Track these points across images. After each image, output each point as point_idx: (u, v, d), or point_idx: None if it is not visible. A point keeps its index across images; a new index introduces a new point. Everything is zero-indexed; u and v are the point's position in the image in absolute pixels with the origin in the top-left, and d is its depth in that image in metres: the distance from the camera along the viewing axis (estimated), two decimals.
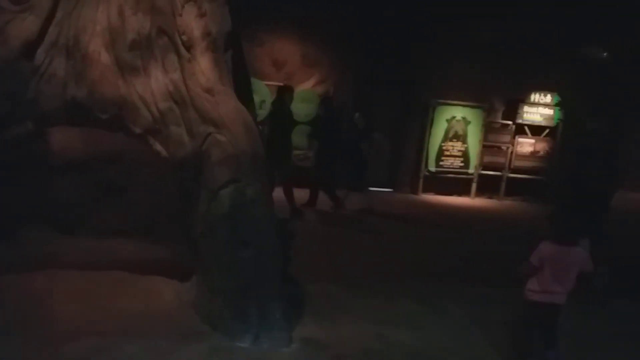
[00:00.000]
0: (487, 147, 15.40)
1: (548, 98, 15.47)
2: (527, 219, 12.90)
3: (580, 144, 13.76)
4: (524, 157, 15.66)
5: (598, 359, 5.96)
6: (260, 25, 12.69)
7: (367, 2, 13.05)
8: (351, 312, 6.30)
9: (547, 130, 15.74)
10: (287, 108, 10.74)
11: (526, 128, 15.62)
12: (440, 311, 6.64)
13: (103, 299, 5.59)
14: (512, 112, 15.48)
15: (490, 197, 15.58)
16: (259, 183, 5.21)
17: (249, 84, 7.13)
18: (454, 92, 14.67)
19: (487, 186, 15.56)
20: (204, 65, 5.32)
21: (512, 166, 15.59)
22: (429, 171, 15.00)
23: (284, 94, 10.74)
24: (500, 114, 15.69)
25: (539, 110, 15.54)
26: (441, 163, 15.08)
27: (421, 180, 15.01)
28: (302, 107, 13.07)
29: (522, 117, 15.44)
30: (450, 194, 15.25)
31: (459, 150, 15.17)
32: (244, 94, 6.01)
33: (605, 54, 15.35)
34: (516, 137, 15.55)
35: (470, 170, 15.34)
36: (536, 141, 15.72)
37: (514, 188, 15.61)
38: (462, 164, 15.24)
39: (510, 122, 15.51)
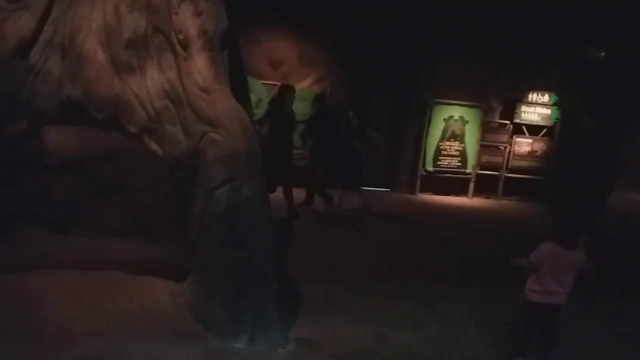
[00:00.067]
0: (485, 147, 15.42)
1: (546, 98, 15.50)
2: (525, 218, 12.93)
3: (576, 143, 13.83)
4: (521, 156, 15.69)
5: (597, 358, 5.95)
6: (257, 24, 12.67)
7: (365, 1, 13.02)
8: (348, 312, 6.28)
9: (544, 130, 15.76)
10: (288, 108, 10.62)
11: (524, 128, 15.64)
12: (439, 311, 6.63)
13: (98, 299, 5.55)
14: (510, 111, 15.51)
15: (487, 197, 15.59)
16: (255, 182, 5.18)
17: (245, 83, 7.13)
18: (451, 92, 14.68)
19: (484, 186, 15.57)
20: (200, 64, 5.28)
21: (509, 166, 15.62)
22: (426, 171, 15.01)
23: (284, 93, 10.63)
24: (497, 114, 15.72)
25: (537, 109, 15.58)
26: (439, 163, 15.08)
27: (419, 180, 15.01)
28: (299, 107, 13.00)
29: (519, 117, 15.48)
30: (448, 194, 15.26)
31: (457, 150, 15.18)
32: (241, 93, 5.97)
33: (602, 53, 15.34)
34: (514, 136, 15.58)
35: (468, 170, 15.34)
36: (534, 141, 15.76)
37: (512, 188, 15.62)
38: (459, 164, 15.25)
39: (507, 122, 15.54)
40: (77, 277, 5.82)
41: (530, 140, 15.73)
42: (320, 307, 6.27)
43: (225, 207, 5.06)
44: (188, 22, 5.34)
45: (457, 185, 15.38)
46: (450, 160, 15.18)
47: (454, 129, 15.06)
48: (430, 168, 15.01)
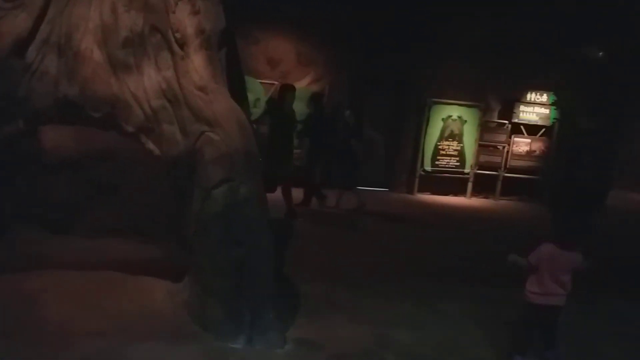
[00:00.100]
0: (483, 147, 15.41)
1: (544, 97, 15.49)
2: (524, 218, 12.92)
3: (574, 142, 13.85)
4: (520, 156, 15.68)
5: (596, 358, 5.94)
6: (255, 23, 12.66)
7: (363, 0, 13.00)
8: (347, 312, 6.28)
9: (543, 130, 15.75)
10: (289, 107, 10.57)
11: (522, 127, 15.62)
12: (439, 311, 6.62)
13: (96, 299, 5.53)
14: (508, 111, 15.51)
15: (486, 197, 15.58)
16: (253, 182, 5.17)
17: (243, 82, 7.09)
18: (449, 91, 14.67)
19: (483, 186, 15.56)
20: (197, 63, 5.27)
21: (508, 166, 15.60)
22: (424, 171, 14.99)
23: (285, 92, 10.58)
24: (496, 113, 15.72)
25: (535, 109, 15.58)
26: (437, 162, 15.07)
27: (417, 180, 14.99)
28: (296, 106, 12.96)
29: (518, 117, 15.47)
30: (446, 194, 15.25)
31: (455, 150, 15.17)
32: (238, 93, 5.96)
33: (601, 53, 15.33)
34: (512, 136, 15.56)
35: (466, 170, 15.33)
36: (532, 141, 15.74)
37: (510, 188, 15.62)
38: (458, 164, 15.24)
39: (506, 122, 15.53)
40: (75, 277, 5.79)
41: (528, 140, 15.72)
42: (319, 307, 6.26)
43: (222, 206, 5.05)
44: (185, 20, 5.32)
45: (455, 185, 15.37)
46: (448, 160, 15.16)
47: (452, 129, 15.05)
48: (428, 168, 14.99)
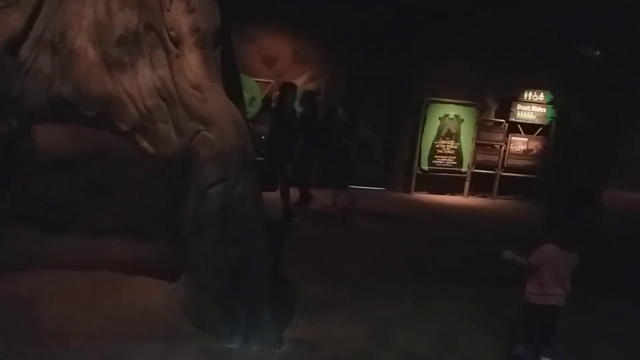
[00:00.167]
0: (480, 146, 15.37)
1: (541, 96, 15.45)
2: (521, 218, 12.90)
3: (568, 141, 13.86)
4: (517, 155, 15.64)
5: (596, 358, 5.94)
6: (250, 21, 12.63)
7: None
8: (345, 312, 6.26)
9: (540, 129, 15.72)
10: (289, 106, 10.49)
11: (519, 126, 15.59)
12: (437, 311, 6.61)
13: (90, 299, 5.52)
14: (505, 110, 15.47)
15: (483, 196, 15.54)
16: (249, 181, 5.15)
17: (238, 81, 7.06)
18: (447, 90, 14.63)
19: (480, 185, 15.53)
20: (192, 62, 5.25)
21: (505, 165, 15.56)
22: (421, 170, 14.95)
23: (285, 91, 10.53)
24: (493, 112, 15.68)
25: (532, 108, 15.53)
26: (434, 162, 15.02)
27: (414, 179, 14.95)
28: None
29: (515, 116, 15.43)
30: (443, 193, 15.20)
31: (452, 149, 15.13)
32: (233, 91, 5.93)
33: (597, 52, 15.34)
34: (509, 135, 15.52)
35: (463, 169, 15.30)
36: (529, 139, 15.71)
37: (507, 187, 15.58)
38: (455, 163, 15.20)
39: (503, 121, 15.49)
40: (70, 278, 5.78)
41: (525, 139, 15.68)
42: (316, 307, 6.24)
43: (218, 206, 5.03)
44: (180, 19, 5.31)
45: (452, 184, 15.33)
46: (445, 159, 15.12)
47: (449, 128, 15.00)
48: (425, 167, 14.95)
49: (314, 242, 8.98)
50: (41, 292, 5.50)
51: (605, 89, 14.48)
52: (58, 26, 5.28)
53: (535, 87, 15.34)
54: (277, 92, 12.44)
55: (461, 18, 13.42)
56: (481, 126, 15.30)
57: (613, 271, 8.46)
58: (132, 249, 6.01)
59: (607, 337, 6.38)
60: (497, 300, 6.83)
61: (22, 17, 5.16)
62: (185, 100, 5.18)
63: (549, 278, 5.24)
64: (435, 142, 14.96)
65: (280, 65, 13.61)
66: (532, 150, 15.72)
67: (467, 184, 15.37)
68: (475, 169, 15.36)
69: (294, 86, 10.71)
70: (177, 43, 5.27)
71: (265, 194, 5.75)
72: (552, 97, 15.35)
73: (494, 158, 15.50)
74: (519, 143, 15.65)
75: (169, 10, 5.31)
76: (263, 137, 11.86)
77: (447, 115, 14.92)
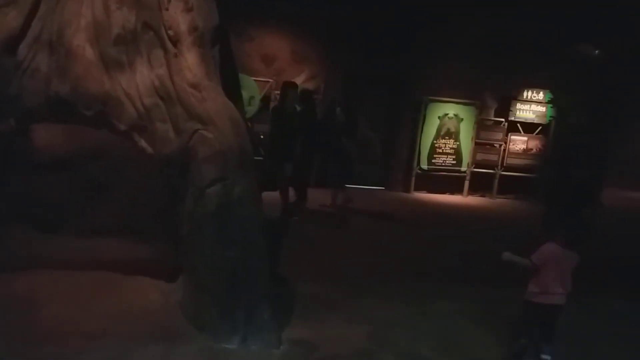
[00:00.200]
0: (480, 145, 15.36)
1: (540, 95, 15.44)
2: (521, 217, 12.88)
3: (565, 139, 13.86)
4: (516, 154, 15.64)
5: (596, 358, 5.93)
6: (249, 20, 12.61)
7: None
8: (342, 312, 6.24)
9: (539, 128, 15.71)
10: (290, 105, 10.44)
11: (519, 125, 15.59)
12: (436, 311, 6.60)
13: (88, 300, 5.49)
14: (505, 109, 15.47)
15: (482, 195, 15.54)
16: (247, 181, 5.13)
17: (236, 80, 7.03)
18: (446, 89, 14.62)
19: (479, 184, 15.52)
20: (190, 61, 5.22)
21: (504, 164, 15.56)
22: (421, 169, 14.93)
23: (286, 90, 10.49)
24: (492, 111, 15.67)
25: (532, 107, 15.53)
26: (433, 161, 15.01)
27: (413, 179, 14.93)
28: None
29: (514, 115, 15.43)
30: (443, 192, 15.19)
31: (451, 148, 15.11)
32: (232, 90, 5.91)
33: (597, 51, 15.33)
34: (509, 134, 15.51)
35: (463, 168, 15.28)
36: (529, 139, 15.70)
37: (507, 186, 15.58)
38: (454, 162, 15.18)
39: (502, 120, 15.48)
40: (67, 278, 5.75)
41: (525, 138, 15.68)
42: (314, 307, 6.23)
43: (216, 205, 5.02)
44: (178, 17, 5.29)
45: (452, 183, 15.32)
46: (445, 159, 15.11)
47: (448, 127, 14.99)
48: (425, 166, 14.94)
49: (313, 242, 8.96)
50: (39, 293, 5.47)
51: (604, 88, 14.47)
52: (56, 25, 5.25)
53: (535, 86, 15.33)
54: (276, 92, 12.46)
55: (460, 17, 13.40)
56: (480, 125, 15.29)
57: (613, 271, 8.45)
58: (130, 249, 5.98)
59: (607, 337, 6.38)
60: (497, 300, 6.82)
61: (20, 16, 5.14)
62: (183, 100, 5.15)
63: (552, 277, 5.27)
64: (435, 142, 14.95)
65: (279, 64, 13.59)
66: (531, 149, 15.72)
67: (466, 183, 15.36)
68: (474, 168, 15.35)
69: (295, 85, 10.67)
70: (175, 42, 5.25)
71: (265, 193, 5.73)
72: (552, 96, 15.33)
73: (494, 157, 15.50)
74: (519, 142, 15.65)
75: (167, 9, 5.29)
76: (262, 137, 11.84)
77: (447, 114, 14.90)
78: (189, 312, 5.33)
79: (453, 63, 14.31)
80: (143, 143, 5.38)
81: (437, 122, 14.89)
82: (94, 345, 4.81)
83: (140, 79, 5.28)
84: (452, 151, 15.12)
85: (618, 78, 14.17)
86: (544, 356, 5.41)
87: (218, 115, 5.11)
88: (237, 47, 8.88)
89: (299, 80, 13.32)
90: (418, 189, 14.99)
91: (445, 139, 15.02)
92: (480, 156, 15.39)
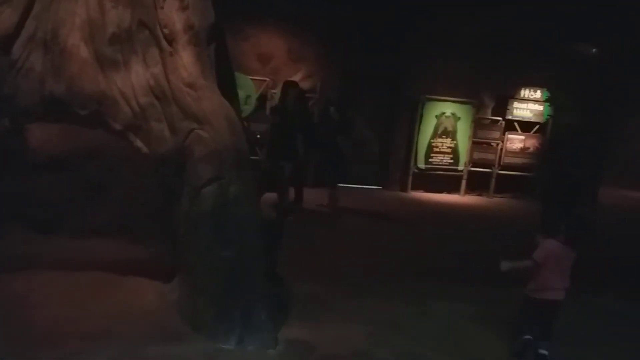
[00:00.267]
0: (477, 144, 15.34)
1: (538, 94, 15.43)
2: (518, 216, 12.87)
3: (562, 138, 13.87)
4: (513, 153, 15.61)
5: (596, 358, 5.91)
6: (245, 19, 12.56)
7: None
8: (340, 312, 6.22)
9: (537, 127, 15.69)
10: (290, 104, 10.41)
11: (516, 124, 15.57)
12: (434, 311, 6.59)
13: (84, 300, 5.48)
14: (502, 108, 15.43)
15: (480, 194, 15.51)
16: (243, 180, 5.11)
17: (232, 79, 7.01)
18: (443, 88, 14.60)
19: (476, 183, 15.50)
20: (186, 60, 5.20)
21: (502, 163, 15.53)
22: (418, 168, 14.91)
23: (287, 89, 10.45)
24: (489, 110, 15.64)
25: (529, 106, 15.50)
26: (430, 160, 14.98)
27: (410, 178, 14.90)
28: None
29: (512, 113, 15.40)
30: (440, 192, 15.16)
31: (449, 147, 15.09)
32: (228, 89, 5.89)
33: (594, 50, 15.33)
34: (506, 133, 15.49)
35: (460, 167, 15.25)
36: (526, 137, 15.67)
37: (504, 185, 15.56)
38: (451, 161, 15.16)
39: (500, 118, 15.46)
40: (64, 278, 5.73)
41: (522, 137, 15.65)
42: (310, 307, 6.20)
43: (212, 205, 5.01)
44: (174, 16, 5.27)
45: (449, 182, 15.29)
46: (442, 158, 15.08)
47: (445, 126, 14.96)
48: (422, 165, 14.91)
49: (310, 242, 8.91)
50: (34, 293, 5.45)
51: (602, 87, 14.47)
52: (50, 24, 5.25)
53: (532, 84, 15.32)
54: (273, 91, 12.44)
55: (457, 16, 13.38)
56: (478, 124, 15.27)
57: (613, 271, 8.44)
58: (126, 249, 5.99)
59: (607, 337, 6.37)
60: (497, 300, 6.81)
61: (14, 14, 5.13)
62: (179, 99, 5.13)
63: (552, 273, 5.34)
64: (432, 140, 14.92)
65: (275, 63, 13.55)
66: (528, 148, 15.69)
67: (463, 182, 15.33)
68: (471, 167, 15.33)
69: (296, 84, 10.65)
70: (170, 41, 5.23)
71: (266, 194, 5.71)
72: (549, 95, 15.33)
73: (491, 156, 15.47)
74: (516, 141, 15.62)
75: (162, 8, 5.27)
76: (258, 136, 11.81)
77: (444, 113, 14.87)
78: (186, 312, 5.30)
79: (450, 62, 14.28)
80: (138, 142, 5.37)
81: (435, 121, 14.86)
82: (91, 346, 4.78)
83: (135, 78, 5.27)
84: (449, 150, 15.09)
85: (616, 77, 14.17)
86: (541, 351, 5.43)
87: (214, 115, 5.08)
88: (233, 45, 8.82)
89: (295, 79, 13.30)
90: (415, 188, 14.96)
91: (442, 137, 14.99)
92: (477, 155, 15.36)
